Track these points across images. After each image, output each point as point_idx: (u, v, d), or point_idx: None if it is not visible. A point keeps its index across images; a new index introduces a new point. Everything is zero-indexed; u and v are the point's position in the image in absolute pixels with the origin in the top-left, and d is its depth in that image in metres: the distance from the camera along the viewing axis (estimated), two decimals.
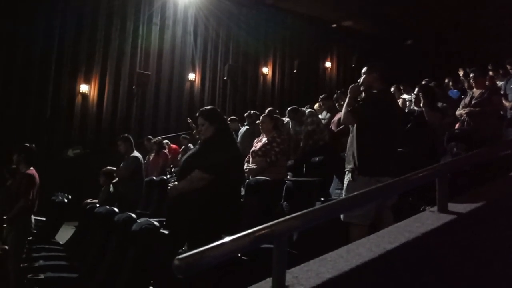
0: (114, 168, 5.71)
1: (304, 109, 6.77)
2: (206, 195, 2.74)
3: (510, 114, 4.99)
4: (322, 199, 3.73)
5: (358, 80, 3.30)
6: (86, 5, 10.08)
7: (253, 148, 4.69)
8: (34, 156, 4.91)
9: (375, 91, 3.16)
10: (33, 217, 4.91)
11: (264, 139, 4.65)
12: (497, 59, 8.40)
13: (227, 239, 1.48)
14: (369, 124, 3.03)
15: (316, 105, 7.76)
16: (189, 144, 8.48)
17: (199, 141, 7.78)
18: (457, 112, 5.00)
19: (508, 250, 2.19)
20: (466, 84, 6.33)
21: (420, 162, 3.29)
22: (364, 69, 3.27)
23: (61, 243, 5.21)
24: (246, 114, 7.44)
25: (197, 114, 3.06)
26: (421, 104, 4.54)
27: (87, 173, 7.14)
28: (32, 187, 4.73)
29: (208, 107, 3.24)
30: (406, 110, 5.50)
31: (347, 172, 3.12)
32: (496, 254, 2.13)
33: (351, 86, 3.30)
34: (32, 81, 9.40)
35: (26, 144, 4.94)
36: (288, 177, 4.90)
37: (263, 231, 1.52)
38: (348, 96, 3.26)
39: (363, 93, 3.25)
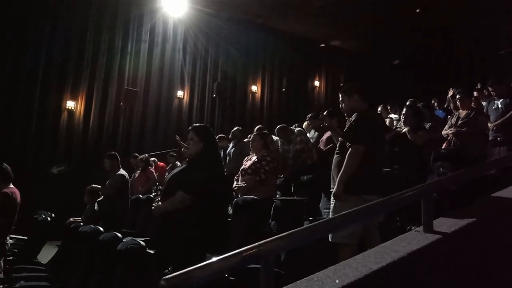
0: (99, 186, 5.64)
1: (292, 127, 6.81)
2: (191, 216, 2.72)
3: (493, 135, 5.09)
4: (310, 218, 3.73)
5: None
6: (75, 21, 10.07)
7: (243, 166, 4.69)
8: (10, 173, 4.79)
9: (358, 113, 3.14)
10: (9, 238, 4.77)
11: (254, 157, 4.65)
12: (482, 80, 8.65)
13: (214, 259, 1.47)
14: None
15: (305, 124, 7.82)
16: (177, 162, 8.43)
17: (187, 159, 7.77)
18: (444, 132, 5.09)
19: (492, 269, 2.20)
20: (451, 105, 6.46)
21: (407, 181, 3.32)
22: (341, 94, 3.26)
23: (43, 263, 5.07)
24: (231, 132, 7.47)
25: (189, 128, 3.14)
26: (404, 125, 4.61)
27: (72, 190, 7.03)
28: (9, 206, 4.60)
29: (201, 124, 3.33)
30: (394, 129, 5.57)
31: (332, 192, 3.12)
32: (481, 273, 2.15)
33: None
34: (18, 96, 9.30)
35: None
36: (277, 196, 4.90)
37: (250, 252, 1.51)
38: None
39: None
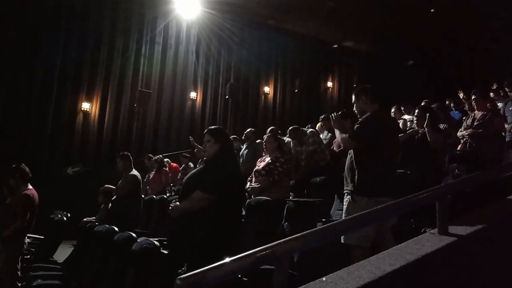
0: (113, 187, 5.69)
1: (305, 129, 6.80)
2: (209, 216, 2.73)
3: (510, 136, 5.01)
4: (323, 219, 3.72)
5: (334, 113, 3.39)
6: (89, 24, 10.23)
7: (256, 167, 4.70)
8: (28, 173, 4.90)
9: (369, 113, 3.19)
10: (27, 237, 4.87)
11: (268, 159, 4.66)
12: (497, 80, 8.52)
13: (227, 259, 1.48)
14: (368, 145, 3.05)
15: (318, 125, 7.79)
16: (190, 163, 8.48)
17: (200, 160, 7.79)
18: (459, 134, 5.03)
19: (508, 272, 2.17)
20: (467, 106, 6.38)
21: (422, 183, 3.30)
22: (353, 97, 3.33)
23: (59, 262, 5.15)
24: (244, 133, 7.47)
25: (205, 131, 3.17)
26: (424, 125, 4.56)
27: (87, 191, 7.12)
28: (29, 207, 4.70)
29: (217, 126, 3.38)
30: (408, 130, 5.52)
31: (346, 193, 3.12)
32: (497, 276, 2.12)
33: (334, 117, 3.34)
34: (33, 98, 9.47)
35: (15, 165, 4.92)
36: (290, 197, 4.90)
37: (264, 252, 1.52)
38: (335, 127, 3.31)
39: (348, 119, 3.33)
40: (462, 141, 5.02)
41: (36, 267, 4.62)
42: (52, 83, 9.71)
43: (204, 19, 11.59)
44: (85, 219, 6.04)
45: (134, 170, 5.57)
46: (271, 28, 12.53)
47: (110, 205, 5.78)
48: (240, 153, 7.15)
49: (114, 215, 5.35)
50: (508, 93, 5.28)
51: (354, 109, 3.36)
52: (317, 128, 7.55)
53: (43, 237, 5.71)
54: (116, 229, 3.87)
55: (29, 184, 4.89)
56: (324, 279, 1.63)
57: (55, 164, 9.51)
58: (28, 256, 5.16)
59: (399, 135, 4.65)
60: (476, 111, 5.04)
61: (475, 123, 4.87)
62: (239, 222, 3.27)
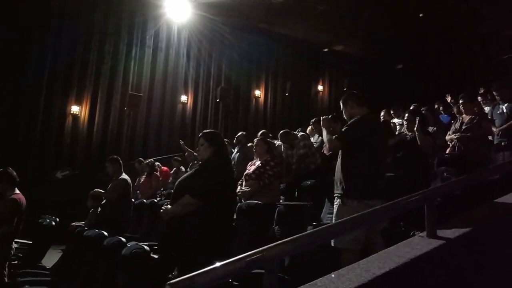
0: (102, 191, 5.65)
1: (296, 132, 6.81)
2: (200, 219, 2.73)
3: (497, 140, 5.08)
4: (314, 223, 3.73)
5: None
6: (80, 26, 10.17)
7: (247, 171, 4.70)
8: (15, 178, 4.83)
9: (357, 117, 3.23)
10: (15, 242, 4.80)
11: (258, 162, 4.66)
12: (486, 83, 8.64)
13: (217, 264, 1.48)
14: (354, 147, 3.08)
15: (309, 128, 7.82)
16: (181, 167, 8.44)
17: (190, 164, 7.76)
18: (448, 137, 5.09)
19: (496, 275, 2.20)
20: (455, 109, 6.45)
21: (411, 186, 3.32)
22: (340, 105, 3.39)
23: (47, 267, 5.09)
24: (236, 137, 7.46)
25: (200, 134, 3.18)
26: (415, 129, 4.61)
27: (76, 195, 7.05)
28: (16, 212, 4.63)
29: (211, 130, 3.42)
30: (396, 134, 5.57)
31: (336, 197, 3.14)
32: (485, 279, 2.14)
33: (323, 119, 3.44)
34: (23, 101, 9.38)
35: (2, 169, 4.85)
36: (281, 200, 4.90)
37: (254, 256, 1.52)
38: (324, 129, 3.36)
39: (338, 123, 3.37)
40: (450, 145, 5.08)
41: (24, 272, 4.54)
42: (42, 85, 9.64)
43: (195, 22, 11.59)
44: (74, 224, 5.97)
45: (124, 174, 5.52)
46: (262, 31, 12.58)
47: (99, 209, 5.73)
48: (231, 156, 7.14)
49: (104, 219, 5.30)
50: (496, 96, 5.36)
51: (343, 116, 3.39)
52: (307, 131, 7.58)
53: (31, 242, 5.63)
54: (106, 233, 3.83)
55: (16, 188, 4.82)
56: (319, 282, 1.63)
57: (44, 167, 9.40)
58: (16, 262, 5.08)
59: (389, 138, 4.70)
60: (464, 115, 5.10)
61: (463, 127, 4.93)
62: (231, 226, 3.27)
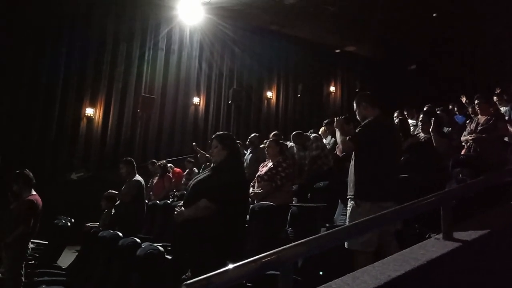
0: (116, 192, 5.70)
1: (308, 133, 6.80)
2: (214, 223, 2.73)
3: None
4: (327, 225, 3.72)
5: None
6: (93, 30, 10.30)
7: (259, 173, 4.69)
8: (32, 179, 4.92)
9: (371, 118, 3.21)
10: (31, 243, 4.89)
11: (270, 164, 4.66)
12: (500, 84, 8.51)
13: (232, 265, 1.49)
14: (367, 149, 3.06)
15: (321, 130, 7.79)
16: (194, 168, 8.49)
17: (203, 165, 7.78)
18: (463, 138, 5.02)
19: None
20: (470, 110, 6.37)
21: (425, 188, 3.29)
22: (354, 105, 3.38)
23: (63, 267, 5.16)
24: (249, 138, 7.47)
25: (213, 136, 3.18)
26: (430, 130, 4.56)
27: (91, 196, 7.14)
28: (32, 213, 4.71)
29: (225, 132, 3.38)
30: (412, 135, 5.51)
31: (349, 199, 3.12)
32: (502, 281, 2.11)
33: (336, 120, 3.43)
34: (38, 104, 9.52)
35: (19, 170, 4.95)
36: (293, 202, 4.89)
37: (269, 258, 1.52)
38: (337, 130, 3.35)
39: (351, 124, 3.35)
40: (466, 146, 5.01)
41: (40, 272, 4.63)
42: (56, 89, 9.77)
43: (207, 25, 11.65)
44: (89, 224, 6.05)
45: (137, 175, 5.57)
46: (273, 33, 12.58)
47: (113, 210, 5.79)
48: (244, 158, 7.16)
49: (118, 220, 5.36)
50: None
51: (356, 116, 3.38)
52: (320, 132, 7.55)
53: (47, 242, 5.72)
54: (120, 234, 3.87)
55: (32, 189, 4.91)
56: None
57: (59, 169, 9.54)
58: (32, 262, 5.17)
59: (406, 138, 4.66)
60: (479, 116, 5.03)
61: (479, 128, 4.86)
62: (244, 227, 3.27)
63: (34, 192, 4.89)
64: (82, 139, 10.03)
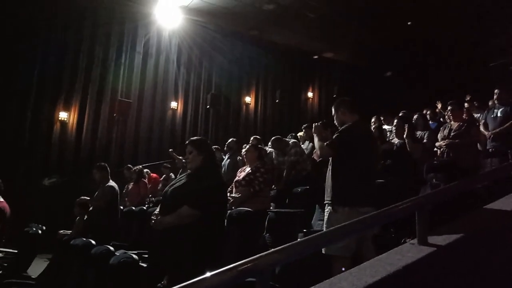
0: (89, 198, 5.57)
1: (287, 139, 6.81)
2: (194, 229, 2.69)
3: (490, 145, 5.14)
4: (304, 230, 3.71)
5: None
6: (69, 32, 10.07)
7: (237, 178, 4.67)
8: (0, 186, 4.76)
9: (348, 123, 3.23)
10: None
11: (248, 169, 4.64)
12: (474, 90, 8.77)
13: (208, 274, 1.45)
14: (345, 154, 3.08)
15: (300, 133, 7.82)
16: (171, 174, 8.39)
17: (180, 170, 7.69)
18: (437, 144, 5.12)
19: (486, 282, 2.20)
20: (446, 116, 6.51)
21: (401, 193, 3.33)
22: (332, 110, 3.40)
23: (33, 277, 4.98)
24: (226, 144, 7.44)
25: (187, 142, 3.13)
26: (404, 136, 4.63)
27: (64, 203, 6.95)
28: (0, 221, 4.56)
29: (199, 137, 3.33)
30: (388, 140, 5.59)
31: (327, 204, 3.13)
32: (476, 285, 2.14)
33: (315, 125, 3.46)
34: (10, 107, 9.22)
35: None
36: (271, 207, 4.88)
37: (246, 266, 1.50)
38: (315, 135, 3.37)
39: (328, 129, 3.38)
40: (439, 151, 5.12)
41: (8, 283, 4.45)
42: (30, 92, 9.48)
43: (185, 29, 11.58)
44: (61, 232, 5.88)
45: (111, 181, 5.47)
46: (253, 38, 12.61)
47: (86, 217, 5.65)
48: (222, 163, 7.11)
49: (91, 227, 5.23)
50: (495, 100, 5.41)
51: (334, 121, 3.40)
52: (300, 135, 7.59)
53: (16, 251, 5.52)
54: (93, 242, 3.76)
55: (0, 197, 4.74)
56: None
57: (31, 175, 9.23)
58: (0, 271, 4.97)
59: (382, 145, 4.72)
60: (452, 122, 5.15)
61: (451, 134, 4.97)
62: (222, 234, 3.24)
63: (1, 199, 4.73)
64: (55, 144, 9.74)
